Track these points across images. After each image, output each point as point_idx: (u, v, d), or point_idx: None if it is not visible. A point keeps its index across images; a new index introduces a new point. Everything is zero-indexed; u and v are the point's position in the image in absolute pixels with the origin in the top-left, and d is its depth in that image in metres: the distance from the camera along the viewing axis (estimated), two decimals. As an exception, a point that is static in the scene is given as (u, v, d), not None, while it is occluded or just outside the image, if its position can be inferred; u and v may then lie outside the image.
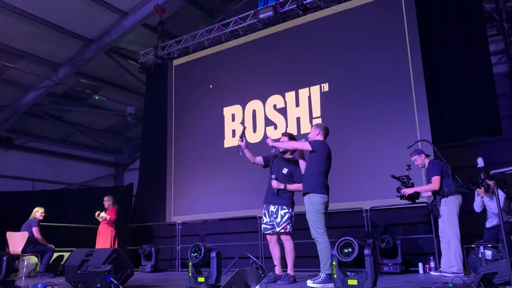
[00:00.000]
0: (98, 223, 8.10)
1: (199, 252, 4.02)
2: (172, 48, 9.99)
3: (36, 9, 9.04)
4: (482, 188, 5.23)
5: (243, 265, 3.24)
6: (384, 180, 6.20)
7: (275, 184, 5.02)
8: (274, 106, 8.29)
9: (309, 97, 7.90)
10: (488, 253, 4.32)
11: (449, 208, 5.24)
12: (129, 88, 12.41)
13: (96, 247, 7.78)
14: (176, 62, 10.03)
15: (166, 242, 8.88)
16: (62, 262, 7.84)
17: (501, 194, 5.51)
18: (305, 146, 4.72)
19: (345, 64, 7.66)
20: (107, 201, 8.15)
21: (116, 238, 8.10)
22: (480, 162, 4.07)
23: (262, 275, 3.25)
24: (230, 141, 8.68)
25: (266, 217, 5.12)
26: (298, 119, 7.95)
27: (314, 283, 4.38)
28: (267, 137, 5.05)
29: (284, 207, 4.99)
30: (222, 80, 9.10)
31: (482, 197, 5.64)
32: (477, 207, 5.84)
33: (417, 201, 5.63)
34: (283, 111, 8.16)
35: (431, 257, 6.04)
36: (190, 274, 4.05)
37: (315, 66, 7.97)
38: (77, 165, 14.26)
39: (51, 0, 8.92)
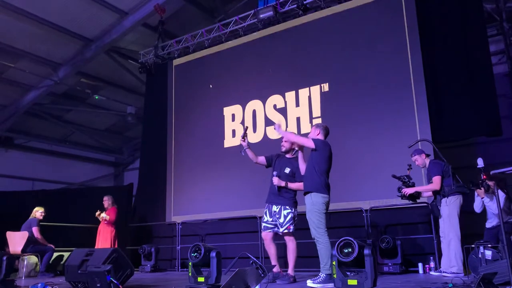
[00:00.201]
0: (98, 223, 8.10)
1: (199, 252, 4.02)
2: (172, 48, 9.99)
3: (36, 9, 9.04)
4: (482, 188, 5.23)
5: (243, 265, 3.24)
6: (384, 180, 6.21)
7: (276, 181, 5.02)
8: (274, 106, 8.29)
9: (309, 97, 7.90)
10: (488, 253, 4.32)
11: (449, 208, 5.24)
12: (129, 88, 12.41)
13: (96, 247, 7.78)
14: (176, 62, 10.03)
15: (166, 242, 8.89)
16: (62, 262, 7.84)
17: (501, 195, 5.51)
18: (308, 142, 4.71)
19: (345, 64, 7.67)
20: (106, 201, 8.15)
21: (116, 238, 8.10)
22: (480, 162, 4.07)
23: (262, 275, 3.25)
24: (230, 141, 8.68)
25: (267, 216, 5.11)
26: (298, 119, 7.95)
27: (314, 283, 4.38)
28: (278, 126, 4.99)
29: (287, 207, 4.99)
30: (222, 80, 9.10)
31: (482, 198, 5.64)
32: (477, 207, 5.84)
33: (417, 200, 5.63)
34: (283, 111, 8.16)
35: (431, 257, 6.05)
36: (190, 274, 4.04)
37: (315, 66, 7.97)
38: (77, 164, 14.26)
39: (51, 0, 8.92)
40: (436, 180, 5.35)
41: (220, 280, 3.92)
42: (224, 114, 8.90)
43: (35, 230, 7.46)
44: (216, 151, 8.80)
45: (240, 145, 5.25)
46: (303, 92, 7.98)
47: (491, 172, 3.62)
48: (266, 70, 8.51)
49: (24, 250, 7.17)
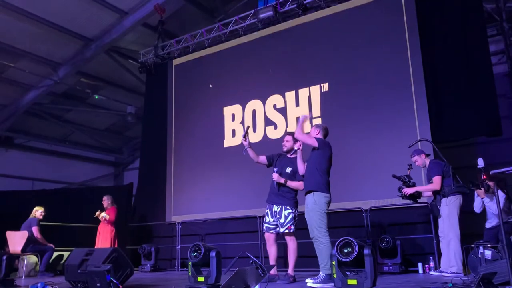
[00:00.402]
0: (98, 222, 8.10)
1: (198, 251, 4.02)
2: (172, 48, 9.99)
3: (36, 9, 9.04)
4: (482, 189, 5.24)
5: (242, 265, 3.24)
6: (384, 180, 6.21)
7: (275, 177, 5.03)
8: (274, 106, 8.29)
9: (309, 97, 7.90)
10: (488, 253, 4.32)
11: (449, 208, 5.24)
12: (129, 87, 12.41)
13: (96, 247, 7.78)
14: (176, 61, 10.03)
15: (166, 242, 8.89)
16: (61, 262, 7.84)
17: (501, 195, 5.51)
18: (311, 140, 4.74)
19: (345, 64, 7.67)
20: (106, 201, 8.15)
21: (116, 237, 8.10)
22: (480, 162, 4.07)
23: (262, 274, 3.25)
24: (230, 141, 8.68)
25: (268, 216, 5.12)
26: (298, 119, 7.93)
27: (314, 283, 4.39)
28: (304, 115, 4.98)
29: (288, 207, 4.99)
30: (222, 80, 9.10)
31: (482, 198, 5.64)
32: (477, 207, 5.84)
33: (418, 200, 5.64)
34: (283, 111, 8.16)
35: (431, 257, 6.05)
36: (189, 274, 4.04)
37: (315, 66, 7.97)
38: (77, 164, 14.26)
39: (51, 0, 8.91)
40: (437, 180, 5.35)
41: (220, 280, 3.92)
42: (224, 114, 8.90)
43: (35, 230, 7.46)
44: (216, 151, 8.80)
45: (241, 144, 5.26)
46: (303, 92, 7.98)
47: (491, 172, 3.62)
48: (266, 70, 8.51)
49: (24, 250, 7.17)
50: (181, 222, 8.69)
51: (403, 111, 6.90)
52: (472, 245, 4.61)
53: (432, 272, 5.74)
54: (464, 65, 6.74)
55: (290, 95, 8.13)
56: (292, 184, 5.03)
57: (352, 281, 3.37)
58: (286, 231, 4.97)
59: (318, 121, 7.65)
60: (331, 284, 3.89)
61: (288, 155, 5.22)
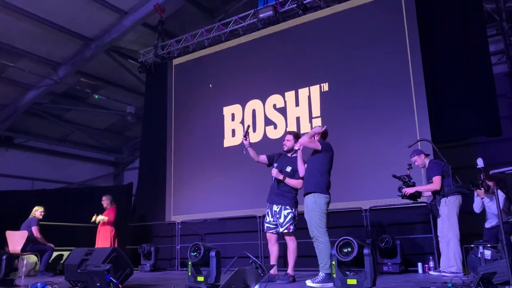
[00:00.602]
0: (96, 223, 8.10)
1: (198, 251, 4.02)
2: (172, 48, 9.99)
3: (36, 8, 9.04)
4: (482, 189, 5.24)
5: (242, 265, 3.24)
6: (383, 180, 6.21)
7: (275, 172, 5.03)
8: (274, 106, 8.29)
9: (309, 97, 7.90)
10: (487, 253, 4.32)
11: (449, 208, 5.25)
12: (129, 87, 12.40)
13: (95, 246, 7.78)
14: (176, 61, 10.03)
15: (166, 242, 8.89)
16: (61, 261, 7.84)
17: (501, 195, 5.51)
18: (315, 144, 4.77)
19: (345, 64, 7.66)
20: (105, 201, 8.16)
21: (115, 237, 8.11)
22: (480, 162, 4.07)
23: (262, 274, 3.25)
24: (229, 141, 8.68)
25: (269, 216, 5.12)
26: (297, 119, 7.95)
27: (313, 282, 4.39)
28: (319, 126, 4.98)
29: (287, 207, 4.99)
30: (222, 80, 9.10)
31: (482, 198, 5.64)
32: (476, 208, 5.84)
33: (418, 200, 5.64)
34: (282, 111, 8.16)
35: (431, 257, 6.04)
36: (189, 274, 4.04)
37: (315, 65, 7.97)
38: (77, 164, 14.26)
39: (51, 0, 8.91)
40: (437, 180, 5.35)
41: (220, 280, 3.92)
42: (224, 113, 8.90)
43: (35, 230, 7.46)
44: (215, 151, 8.80)
45: (241, 144, 5.26)
46: (303, 92, 7.98)
47: (490, 172, 3.63)
48: (266, 70, 8.51)
49: (23, 250, 7.17)
50: (181, 222, 8.69)
51: (403, 111, 6.90)
52: (472, 245, 4.62)
53: (431, 272, 5.74)
54: (464, 65, 6.74)
55: (290, 95, 8.13)
56: (290, 182, 5.03)
57: (351, 281, 3.37)
58: (286, 231, 4.97)
59: (318, 121, 7.65)
60: (331, 284, 3.89)
61: (289, 155, 5.23)
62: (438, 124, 6.73)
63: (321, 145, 4.76)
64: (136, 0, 9.50)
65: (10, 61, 10.23)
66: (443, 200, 5.33)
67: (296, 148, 5.10)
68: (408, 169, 5.58)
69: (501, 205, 5.35)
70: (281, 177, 5.03)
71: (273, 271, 4.96)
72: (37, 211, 7.72)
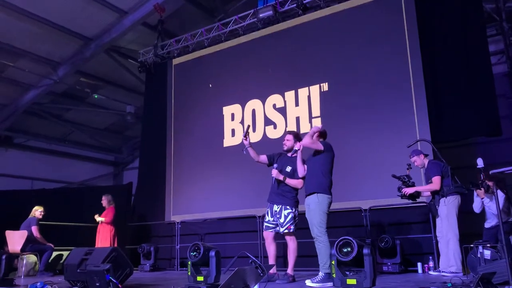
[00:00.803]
0: (97, 222, 8.11)
1: (198, 251, 4.02)
2: (171, 47, 9.98)
3: (36, 8, 9.03)
4: (482, 189, 5.24)
5: (242, 264, 3.24)
6: (383, 179, 6.21)
7: (275, 173, 5.03)
8: (274, 106, 8.29)
9: (309, 97, 7.90)
10: (487, 253, 4.32)
11: (448, 208, 5.25)
12: (128, 87, 12.40)
13: (95, 246, 7.78)
14: (175, 61, 10.03)
15: (165, 241, 8.88)
16: (61, 261, 7.84)
17: (501, 195, 5.52)
18: (318, 146, 4.80)
19: (344, 64, 7.66)
20: (104, 200, 8.17)
21: (115, 237, 8.11)
22: (480, 162, 4.07)
23: (261, 274, 3.25)
24: (229, 141, 8.68)
25: (268, 215, 5.12)
26: (297, 119, 7.95)
27: (313, 282, 4.40)
28: (317, 126, 5.01)
29: (288, 207, 4.99)
30: (222, 79, 9.10)
31: (482, 198, 5.64)
32: (476, 208, 5.84)
33: (417, 200, 5.64)
34: (282, 111, 8.16)
35: (430, 257, 6.05)
36: (189, 273, 4.04)
37: (314, 65, 7.96)
38: (76, 164, 14.25)
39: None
40: (436, 180, 5.35)
41: (219, 280, 3.92)
42: (224, 113, 8.90)
43: (35, 229, 7.46)
44: (215, 151, 8.80)
45: (241, 144, 5.26)
46: (303, 92, 7.98)
47: (490, 172, 3.63)
48: (266, 70, 8.51)
49: (23, 249, 7.17)
50: (180, 221, 8.69)
51: (403, 111, 6.90)
52: (472, 245, 4.62)
53: (431, 272, 5.74)
54: (464, 65, 6.74)
55: (289, 94, 8.13)
56: (291, 182, 5.03)
57: (351, 281, 3.37)
58: (286, 231, 4.97)
59: (317, 120, 7.65)
60: (330, 284, 3.89)
61: (289, 154, 5.22)
62: (438, 124, 6.73)
63: (323, 146, 4.79)
64: (136, -1, 9.51)
65: (10, 60, 10.23)
66: (442, 200, 5.33)
67: (296, 149, 5.09)
68: (408, 169, 5.58)
69: (501, 205, 5.36)
70: (281, 177, 5.03)
71: (272, 270, 4.96)
72: (37, 211, 7.72)
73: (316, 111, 7.77)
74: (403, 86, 6.97)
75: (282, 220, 4.98)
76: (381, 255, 6.20)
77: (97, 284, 3.73)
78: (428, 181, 5.51)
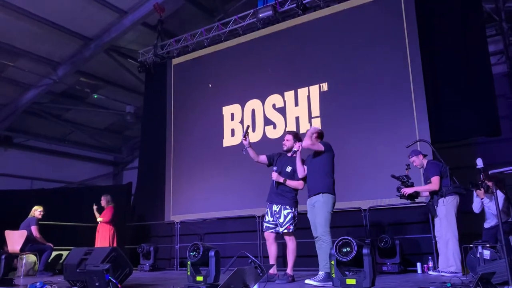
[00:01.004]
0: (97, 221, 8.11)
1: (197, 251, 4.01)
2: (171, 47, 9.98)
3: (35, 8, 9.03)
4: (481, 189, 5.25)
5: (241, 264, 3.24)
6: (383, 179, 6.22)
7: (275, 176, 5.03)
8: (273, 106, 8.29)
9: (308, 97, 7.90)
10: (486, 253, 4.32)
11: (447, 208, 5.26)
12: (128, 87, 12.40)
13: (95, 245, 7.78)
14: (175, 61, 10.03)
15: (165, 241, 8.88)
16: (60, 261, 7.84)
17: (500, 195, 5.51)
18: (319, 146, 4.81)
19: (344, 64, 7.67)
20: (103, 201, 8.19)
21: (114, 236, 8.12)
22: (480, 163, 4.07)
23: (261, 274, 3.25)
24: (229, 140, 8.68)
25: (268, 215, 5.11)
26: (297, 119, 7.95)
27: (313, 281, 4.40)
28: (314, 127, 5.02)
29: (287, 207, 4.99)
30: (221, 79, 9.10)
31: (482, 199, 5.64)
32: (476, 208, 5.84)
33: (416, 200, 5.65)
34: (282, 111, 8.16)
35: (430, 257, 6.04)
36: (188, 273, 4.04)
37: (314, 65, 7.97)
38: (76, 164, 14.25)
39: (50, -1, 8.93)
40: (435, 181, 5.36)
41: (219, 279, 3.92)
42: (223, 113, 8.90)
43: (34, 229, 7.46)
44: (215, 151, 8.80)
45: (241, 144, 5.25)
46: (302, 92, 7.98)
47: (490, 172, 3.63)
48: (265, 70, 8.51)
49: (22, 249, 7.16)
50: (180, 221, 8.68)
51: (403, 111, 6.90)
52: (471, 245, 4.62)
53: (430, 272, 5.74)
54: (464, 65, 6.74)
55: (289, 94, 8.13)
56: (291, 183, 5.03)
57: (351, 281, 3.37)
58: (285, 231, 4.97)
59: (317, 120, 7.65)
60: (330, 283, 3.89)
61: (288, 154, 5.21)
62: (437, 124, 6.73)
63: (324, 146, 4.81)
64: (136, -1, 9.50)
65: (9, 60, 10.22)
66: (441, 200, 5.34)
67: (295, 149, 5.08)
68: (407, 169, 5.59)
69: (500, 206, 5.36)
70: (281, 179, 5.03)
71: (272, 270, 4.96)
72: (36, 211, 7.71)
73: (315, 111, 7.77)
74: (402, 86, 6.97)
75: (281, 220, 4.98)
76: (380, 255, 6.20)
77: (97, 284, 3.73)
78: (427, 181, 5.51)
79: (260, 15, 8.50)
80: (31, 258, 7.47)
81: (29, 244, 7.27)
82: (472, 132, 6.86)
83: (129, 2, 9.54)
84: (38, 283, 4.38)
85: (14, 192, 10.80)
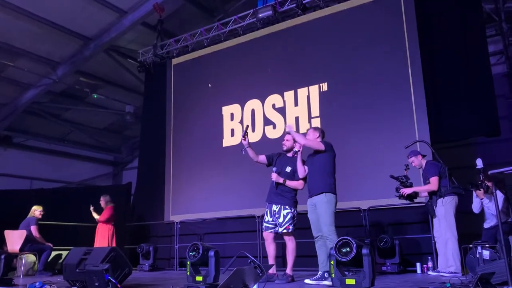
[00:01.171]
0: (96, 221, 8.11)
1: (197, 251, 4.01)
2: (171, 47, 9.98)
3: (35, 8, 9.03)
4: (481, 189, 5.25)
5: (241, 264, 3.24)
6: (382, 180, 6.21)
7: (274, 177, 5.02)
8: (273, 106, 8.29)
9: (308, 97, 7.90)
10: (486, 253, 4.32)
11: (445, 208, 5.26)
12: (128, 86, 12.40)
13: (94, 245, 7.78)
14: (175, 61, 10.03)
15: (165, 241, 8.88)
16: (60, 261, 7.84)
17: (500, 195, 5.51)
18: (318, 145, 4.81)
19: (344, 64, 7.67)
20: (102, 201, 8.19)
21: (114, 236, 8.10)
22: (479, 163, 4.08)
23: (260, 274, 3.25)
24: (228, 140, 8.68)
25: (267, 215, 5.11)
26: (297, 119, 7.95)
27: (312, 280, 4.41)
28: (286, 125, 5.04)
29: (287, 207, 4.98)
30: (221, 79, 9.10)
31: (481, 199, 5.63)
32: (475, 208, 5.84)
33: (415, 200, 5.65)
34: (282, 111, 8.16)
35: (429, 257, 6.05)
36: (188, 273, 4.04)
37: (314, 65, 7.97)
38: (75, 163, 14.24)
39: (50, -1, 8.92)
40: (434, 181, 5.37)
41: (218, 279, 3.92)
42: (223, 113, 8.90)
43: (34, 229, 7.45)
44: (214, 151, 8.80)
45: (240, 144, 5.25)
46: (302, 92, 7.98)
47: (489, 172, 3.63)
48: (265, 70, 8.51)
49: (22, 249, 7.16)
50: (179, 221, 8.68)
51: (402, 111, 6.90)
52: (470, 245, 4.62)
53: (430, 272, 5.74)
54: (463, 65, 6.75)
55: (289, 94, 8.13)
56: (291, 184, 5.02)
57: (350, 281, 3.37)
58: (285, 231, 4.97)
59: (317, 120, 7.65)
60: (330, 283, 3.90)
61: (288, 154, 5.21)
62: (437, 124, 6.74)
63: (325, 145, 4.81)
64: (136, -1, 9.50)
65: (9, 60, 10.22)
66: (439, 200, 5.34)
67: (296, 150, 5.07)
68: (405, 169, 5.59)
69: (500, 206, 5.35)
70: (281, 180, 5.02)
71: (271, 270, 4.96)
72: (36, 211, 7.70)
73: (315, 111, 7.77)
74: (402, 86, 6.98)
75: (281, 220, 4.98)
76: (380, 255, 6.20)
77: (96, 284, 3.72)
78: (426, 181, 5.51)
79: (260, 15, 8.50)
80: (31, 258, 7.46)
81: (29, 244, 7.26)
82: (471, 132, 6.86)
83: (129, 2, 9.54)
84: (37, 283, 4.37)
85: (14, 192, 10.79)
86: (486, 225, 5.77)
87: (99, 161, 15.16)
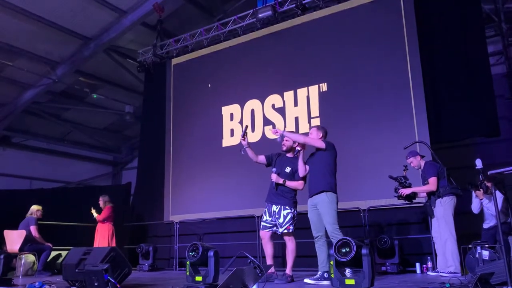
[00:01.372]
0: (96, 221, 8.11)
1: (196, 251, 4.01)
2: (170, 47, 9.98)
3: (35, 8, 9.02)
4: (481, 190, 5.25)
5: (241, 264, 3.24)
6: (382, 180, 6.20)
7: (274, 177, 5.01)
8: (273, 106, 8.30)
9: (308, 97, 7.90)
10: (485, 253, 4.32)
11: (444, 208, 5.27)
12: (127, 86, 12.39)
13: (93, 245, 7.78)
14: (174, 61, 10.03)
15: (164, 241, 8.88)
16: (59, 261, 7.83)
17: (499, 196, 5.51)
18: (318, 143, 4.81)
19: (344, 64, 7.67)
20: (101, 201, 8.21)
21: (113, 236, 8.11)
22: (479, 163, 4.08)
23: (260, 274, 3.25)
24: (228, 141, 8.68)
25: (266, 215, 5.09)
26: (296, 119, 7.95)
27: (312, 279, 4.42)
28: (276, 130, 5.00)
29: (287, 207, 4.98)
30: (221, 79, 9.10)
31: (481, 199, 5.64)
32: (475, 208, 5.84)
33: (414, 201, 5.65)
34: (281, 111, 8.16)
35: (429, 257, 6.06)
36: (187, 273, 4.03)
37: (313, 66, 7.97)
38: (75, 163, 14.23)
39: (50, -2, 8.92)
40: (432, 181, 5.37)
41: (218, 280, 3.91)
42: (223, 113, 8.90)
43: (33, 229, 7.45)
44: (214, 151, 8.80)
45: (240, 144, 5.24)
46: (302, 92, 7.99)
47: (489, 173, 3.63)
48: (265, 70, 8.52)
49: (21, 249, 7.15)
50: (179, 221, 8.69)
51: (402, 112, 6.91)
52: (470, 246, 4.62)
53: (429, 272, 5.75)
54: (463, 66, 6.75)
55: (288, 95, 8.13)
56: (291, 184, 5.02)
57: (350, 281, 3.37)
58: (285, 231, 4.96)
59: (316, 121, 7.65)
60: (326, 282, 3.91)
61: (288, 155, 5.21)
62: (436, 125, 6.74)
63: (326, 144, 4.81)
64: (135, -1, 9.50)
65: (8, 60, 10.21)
66: (438, 201, 5.34)
67: (298, 149, 5.06)
68: (404, 170, 5.60)
69: (499, 206, 5.36)
70: (281, 181, 5.01)
71: (271, 270, 4.96)
72: (36, 211, 7.70)
73: (315, 111, 7.77)
74: (402, 87, 6.98)
75: (281, 220, 4.97)
76: (379, 255, 6.20)
77: (96, 284, 3.72)
78: (424, 182, 5.52)
79: (260, 15, 8.51)
80: (30, 258, 7.45)
81: (28, 244, 7.26)
82: (471, 133, 6.87)
83: (128, 2, 9.54)
84: (37, 283, 4.37)
85: (13, 192, 10.79)
86: (486, 225, 5.78)
87: (98, 161, 15.15)
